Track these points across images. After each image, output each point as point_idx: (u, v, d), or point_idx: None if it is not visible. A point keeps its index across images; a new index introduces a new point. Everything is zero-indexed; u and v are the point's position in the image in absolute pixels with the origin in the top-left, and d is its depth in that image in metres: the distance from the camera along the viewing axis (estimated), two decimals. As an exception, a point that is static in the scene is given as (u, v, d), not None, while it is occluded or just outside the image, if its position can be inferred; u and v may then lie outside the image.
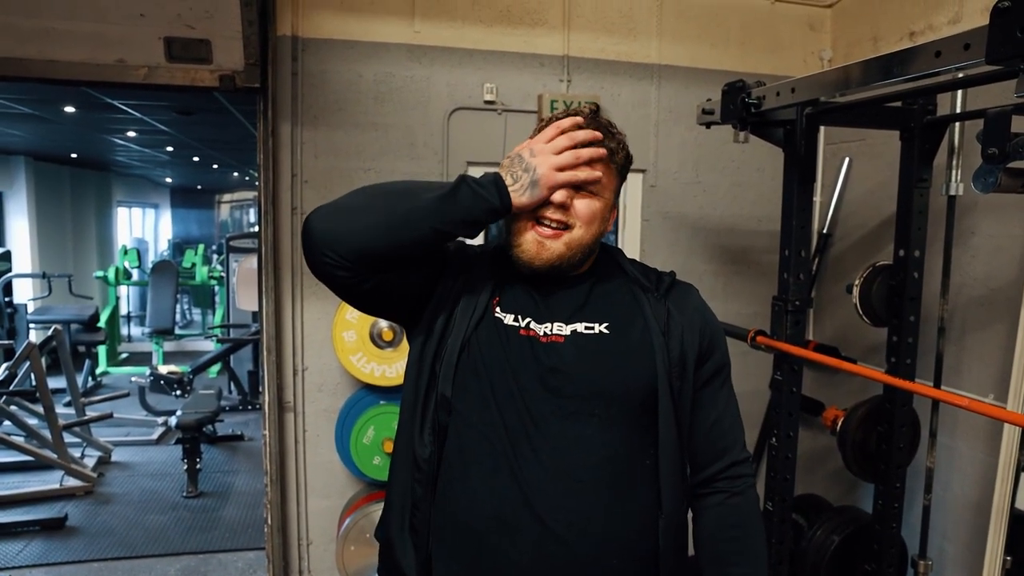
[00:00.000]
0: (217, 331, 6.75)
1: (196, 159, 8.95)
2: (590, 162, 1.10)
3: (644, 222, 2.91)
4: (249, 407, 5.96)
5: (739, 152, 2.88)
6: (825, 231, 2.89)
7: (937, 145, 2.00)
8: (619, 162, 1.15)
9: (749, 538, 1.19)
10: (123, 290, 8.76)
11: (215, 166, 9.86)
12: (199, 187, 13.65)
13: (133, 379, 5.79)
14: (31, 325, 6.93)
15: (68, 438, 4.37)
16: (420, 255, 1.10)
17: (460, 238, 1.13)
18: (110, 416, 4.70)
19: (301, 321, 2.64)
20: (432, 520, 1.12)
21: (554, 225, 1.11)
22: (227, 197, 14.00)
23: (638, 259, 1.33)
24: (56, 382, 4.98)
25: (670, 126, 2.88)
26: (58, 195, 8.67)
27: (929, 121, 1.97)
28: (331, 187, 2.55)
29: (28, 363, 4.41)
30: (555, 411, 1.08)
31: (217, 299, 8.35)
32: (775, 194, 2.20)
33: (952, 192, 2.03)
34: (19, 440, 4.34)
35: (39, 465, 4.29)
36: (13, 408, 4.50)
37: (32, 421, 4.48)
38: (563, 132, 1.09)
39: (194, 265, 8.42)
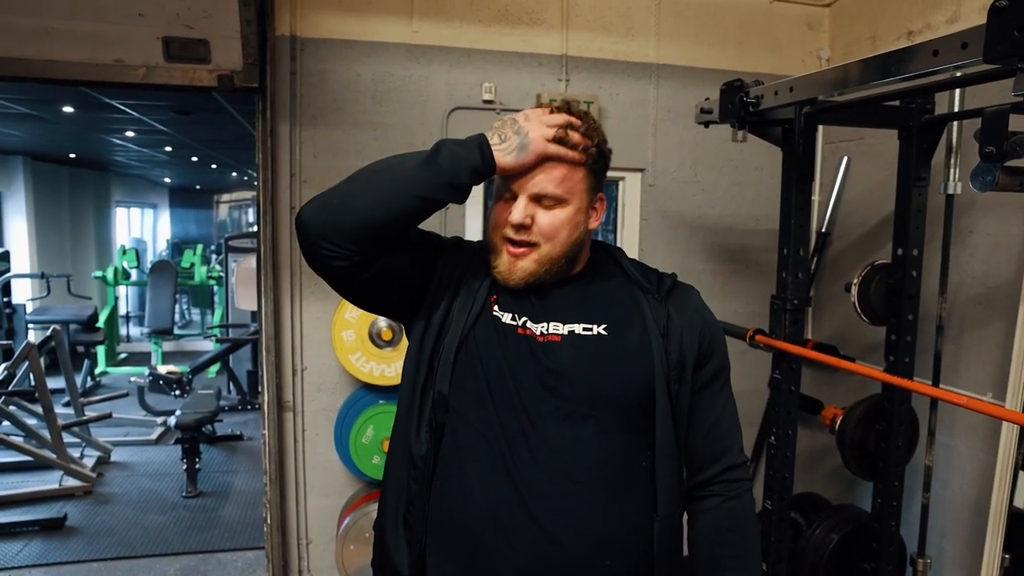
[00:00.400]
0: (216, 331, 6.75)
1: (195, 159, 8.94)
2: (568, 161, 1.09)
3: (643, 221, 2.92)
4: (248, 407, 5.95)
5: (737, 151, 2.88)
6: (824, 230, 2.90)
7: (935, 144, 2.00)
8: (592, 160, 1.12)
9: (745, 542, 1.19)
10: (122, 290, 8.74)
11: (214, 166, 9.85)
12: (198, 187, 13.64)
13: (132, 379, 5.79)
14: (30, 325, 6.92)
15: (67, 438, 4.36)
16: (415, 227, 1.10)
17: (452, 203, 1.12)
18: (109, 416, 4.70)
19: (300, 321, 2.64)
20: (427, 517, 1.12)
21: (519, 243, 1.10)
22: (226, 197, 14.00)
23: (636, 258, 1.33)
24: (55, 382, 4.97)
25: (668, 125, 2.88)
26: (56, 195, 8.66)
27: (927, 120, 1.97)
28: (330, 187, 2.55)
29: (27, 363, 4.40)
30: (553, 412, 1.08)
31: (216, 299, 8.35)
32: (774, 193, 2.20)
33: (950, 191, 2.03)
34: (18, 440, 4.33)
35: (38, 465, 4.29)
36: (12, 408, 4.49)
37: (31, 421, 4.48)
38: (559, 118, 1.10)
39: (193, 265, 8.41)
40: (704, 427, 1.18)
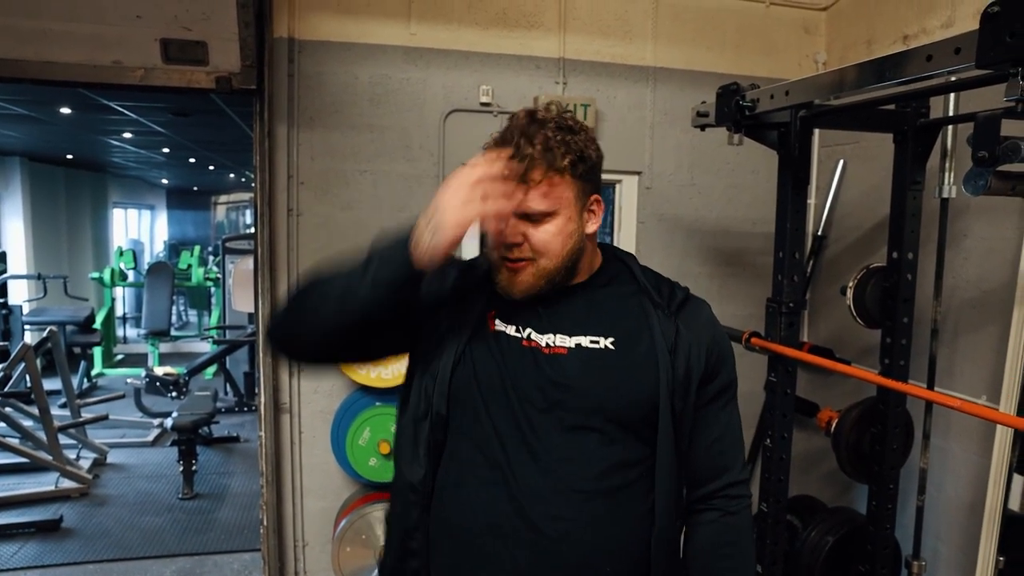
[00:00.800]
0: (213, 332, 6.74)
1: (192, 160, 8.93)
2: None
3: (639, 224, 2.92)
4: (245, 408, 5.94)
5: (734, 155, 2.88)
6: (819, 233, 2.91)
7: (930, 148, 2.01)
8: (573, 166, 1.07)
9: (741, 556, 1.20)
10: (119, 291, 8.73)
11: (211, 167, 9.84)
12: (195, 188, 13.61)
13: (129, 381, 5.78)
14: (26, 326, 6.90)
15: (63, 440, 4.36)
16: (387, 318, 1.05)
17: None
18: (106, 418, 4.69)
19: (297, 322, 2.64)
20: (430, 535, 1.13)
21: (514, 259, 1.09)
22: (223, 198, 13.96)
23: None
24: (51, 384, 4.95)
25: (665, 128, 2.89)
26: (53, 196, 8.64)
27: (922, 124, 1.98)
28: (327, 188, 2.56)
29: (23, 365, 4.40)
30: (556, 423, 1.08)
31: (213, 300, 8.33)
32: (770, 196, 2.20)
33: (945, 195, 2.04)
34: (14, 442, 4.32)
35: (34, 467, 4.27)
36: (8, 410, 4.48)
37: (27, 423, 4.46)
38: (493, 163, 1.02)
39: (190, 266, 8.41)
40: (707, 442, 1.18)
